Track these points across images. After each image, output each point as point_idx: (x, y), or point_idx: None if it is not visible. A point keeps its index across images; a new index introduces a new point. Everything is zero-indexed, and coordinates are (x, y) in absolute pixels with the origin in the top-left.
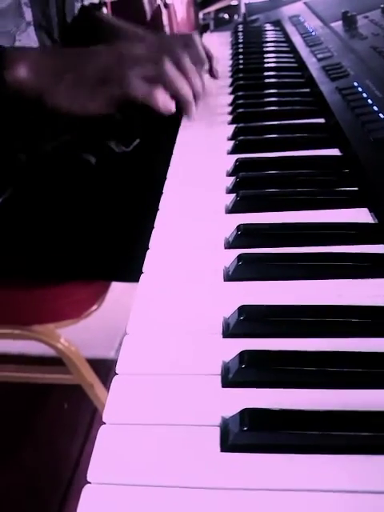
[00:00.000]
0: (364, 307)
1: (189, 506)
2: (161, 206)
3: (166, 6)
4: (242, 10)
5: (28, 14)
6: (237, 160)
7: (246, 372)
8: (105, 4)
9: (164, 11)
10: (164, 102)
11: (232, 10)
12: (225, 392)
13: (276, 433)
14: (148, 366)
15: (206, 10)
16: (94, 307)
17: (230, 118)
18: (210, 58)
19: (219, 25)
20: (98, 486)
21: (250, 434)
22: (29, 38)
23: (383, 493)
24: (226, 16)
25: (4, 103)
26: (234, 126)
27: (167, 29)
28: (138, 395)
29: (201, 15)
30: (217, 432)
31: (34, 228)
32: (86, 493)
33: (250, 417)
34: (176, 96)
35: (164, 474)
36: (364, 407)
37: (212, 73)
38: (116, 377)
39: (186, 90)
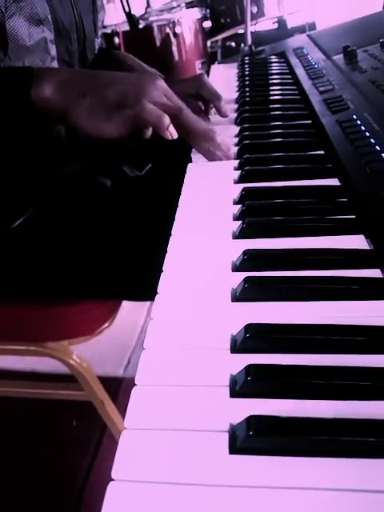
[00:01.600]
0: (360, 326)
1: (201, 501)
2: (173, 231)
3: (176, 35)
4: (249, 38)
5: (53, 50)
6: (243, 189)
7: (251, 384)
8: (117, 33)
9: (173, 40)
10: (171, 129)
11: (239, 38)
12: (233, 402)
13: (279, 437)
14: (163, 378)
15: (214, 39)
16: (106, 325)
17: (236, 148)
18: (217, 98)
19: (226, 52)
20: (121, 482)
21: (256, 438)
22: None
23: (379, 491)
24: (233, 44)
25: (30, 120)
26: (241, 157)
27: (176, 55)
28: (154, 404)
29: (209, 43)
30: (226, 437)
31: (52, 247)
32: (111, 489)
33: (256, 423)
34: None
35: (180, 472)
36: (362, 416)
37: (221, 113)
38: (135, 388)
39: (200, 127)
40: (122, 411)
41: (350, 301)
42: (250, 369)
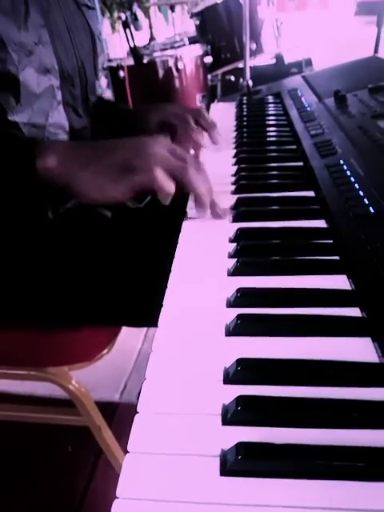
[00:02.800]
0: (341, 362)
1: None
2: (173, 267)
3: (178, 70)
4: (248, 73)
5: (59, 95)
6: (238, 229)
7: (241, 413)
8: (122, 67)
9: (175, 74)
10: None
11: (238, 72)
12: (224, 429)
13: (265, 461)
14: (162, 407)
15: (214, 73)
16: (105, 351)
17: (233, 187)
18: (212, 128)
19: (226, 86)
20: (124, 500)
21: (244, 462)
22: (59, 114)
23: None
24: (233, 78)
25: (34, 189)
26: (237, 196)
27: (178, 89)
28: (154, 430)
29: (209, 77)
30: (217, 461)
31: (55, 275)
32: (115, 506)
33: (244, 449)
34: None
35: (176, 491)
36: (341, 442)
37: (213, 140)
38: (137, 415)
39: (201, 190)
40: (118, 436)
41: (333, 337)
42: (240, 399)
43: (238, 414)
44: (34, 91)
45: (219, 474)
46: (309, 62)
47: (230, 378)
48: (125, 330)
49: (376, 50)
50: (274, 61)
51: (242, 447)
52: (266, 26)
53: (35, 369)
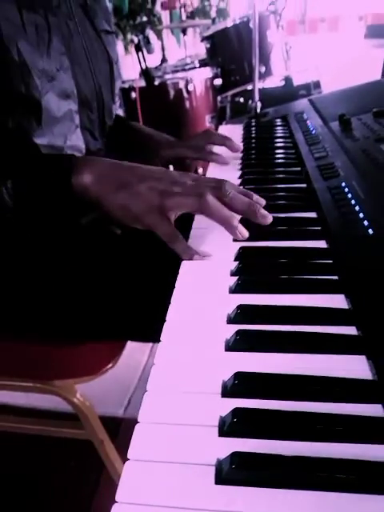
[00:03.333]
0: (335, 378)
1: None
2: (177, 283)
3: (188, 91)
4: (257, 95)
5: (77, 119)
6: (240, 248)
7: (237, 425)
8: (134, 88)
9: (186, 96)
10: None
11: (247, 94)
12: (220, 440)
13: (257, 471)
14: (162, 417)
15: (224, 95)
16: (110, 365)
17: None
18: (227, 140)
19: (235, 107)
20: (123, 504)
21: (238, 471)
22: (77, 137)
23: None
24: (242, 100)
25: (68, 204)
26: (240, 215)
27: (188, 110)
28: (154, 439)
29: (219, 98)
30: (213, 469)
31: (65, 289)
32: (115, 510)
33: (238, 458)
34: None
35: (173, 498)
36: (329, 455)
37: (233, 149)
38: (137, 425)
39: (228, 217)
40: (121, 452)
41: (329, 354)
42: (236, 412)
43: (234, 425)
44: (54, 115)
45: (214, 482)
46: (317, 85)
47: (227, 391)
48: (130, 345)
49: None
50: (282, 83)
51: (236, 457)
52: (276, 50)
53: (41, 381)
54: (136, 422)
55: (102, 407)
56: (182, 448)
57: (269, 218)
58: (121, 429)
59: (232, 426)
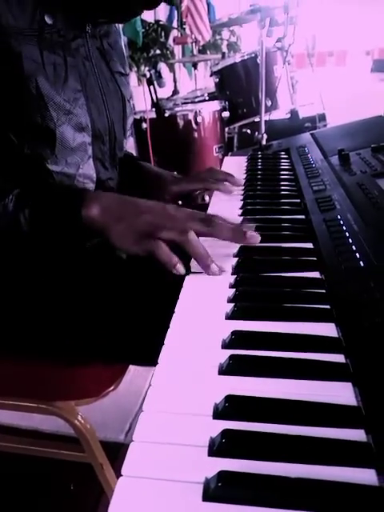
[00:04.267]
0: (321, 403)
1: None
2: (176, 309)
3: (197, 123)
4: (263, 127)
5: (89, 150)
6: (238, 275)
7: (225, 445)
8: (145, 120)
9: (194, 127)
10: (179, 268)
11: (254, 126)
12: (210, 460)
13: (243, 489)
14: (156, 437)
15: (232, 126)
16: (112, 388)
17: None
18: (230, 176)
19: (242, 138)
20: None
21: (224, 489)
22: (89, 167)
23: None
24: (249, 131)
25: (76, 233)
26: (239, 244)
27: (196, 140)
28: (147, 457)
29: (226, 129)
30: (201, 487)
31: (69, 311)
32: None
33: (225, 477)
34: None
35: None
36: (312, 477)
37: (236, 184)
38: (132, 443)
39: (202, 255)
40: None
41: (317, 380)
42: (225, 433)
43: (223, 446)
44: (69, 146)
45: (202, 499)
46: (322, 117)
47: (218, 413)
48: (132, 371)
49: None
50: (289, 115)
51: (222, 475)
52: (282, 84)
53: (43, 402)
54: None
55: (103, 432)
56: (172, 466)
57: (257, 237)
58: (121, 454)
59: (221, 446)
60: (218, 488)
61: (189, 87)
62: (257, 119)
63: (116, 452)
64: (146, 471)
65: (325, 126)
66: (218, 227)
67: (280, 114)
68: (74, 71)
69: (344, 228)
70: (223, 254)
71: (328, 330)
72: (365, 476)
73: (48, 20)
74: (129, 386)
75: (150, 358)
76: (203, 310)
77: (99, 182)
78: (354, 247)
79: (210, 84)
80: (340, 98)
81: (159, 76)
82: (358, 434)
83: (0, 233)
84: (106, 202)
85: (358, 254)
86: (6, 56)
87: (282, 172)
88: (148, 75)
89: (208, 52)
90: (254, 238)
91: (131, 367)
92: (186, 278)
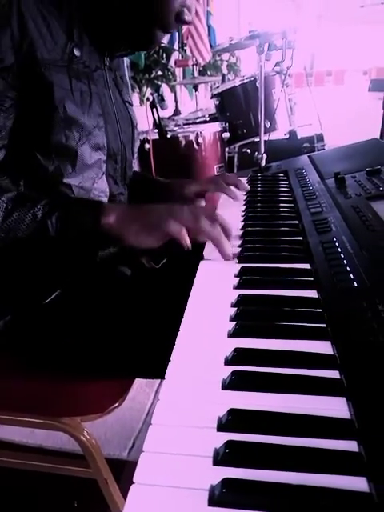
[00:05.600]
0: (317, 416)
1: None
2: (181, 327)
3: (198, 144)
4: (262, 147)
5: (104, 167)
6: (239, 295)
7: (229, 455)
8: (148, 140)
9: (196, 147)
10: (187, 242)
11: (254, 146)
12: (214, 468)
13: (245, 495)
14: (164, 447)
15: (232, 146)
16: (117, 404)
17: (237, 258)
18: (238, 182)
19: (242, 158)
20: None
21: (228, 494)
22: (102, 183)
23: None
24: (249, 151)
25: (96, 239)
26: (241, 265)
27: (198, 160)
28: (157, 467)
29: (227, 149)
30: (206, 494)
31: (75, 327)
32: None
33: (228, 484)
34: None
35: None
36: (307, 483)
37: (241, 188)
38: (143, 454)
39: (216, 236)
40: (124, 493)
41: (314, 395)
42: (228, 444)
43: (227, 455)
44: (87, 163)
45: (207, 504)
46: (320, 138)
47: (222, 425)
48: (135, 387)
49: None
50: (287, 136)
51: (226, 483)
52: (280, 106)
53: (49, 418)
54: None
55: (106, 449)
56: (180, 474)
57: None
58: (125, 471)
59: (225, 456)
60: (222, 494)
61: (190, 106)
62: (256, 139)
63: (119, 469)
64: (156, 479)
65: (323, 146)
66: (221, 222)
67: (279, 134)
68: (97, 98)
69: (339, 250)
70: (225, 273)
71: (324, 347)
72: (357, 483)
73: (77, 52)
74: (131, 403)
75: (155, 370)
76: (207, 327)
77: (111, 197)
78: (348, 268)
79: (210, 104)
80: (338, 117)
81: (162, 99)
82: (350, 445)
83: (28, 239)
84: (121, 210)
85: (352, 275)
86: (39, 85)
87: (281, 194)
88: (151, 99)
89: (208, 72)
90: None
91: (134, 384)
92: (192, 290)
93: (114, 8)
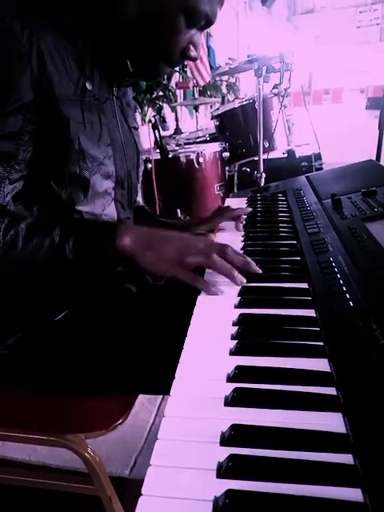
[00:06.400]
0: (314, 431)
1: None
2: (185, 345)
3: (199, 163)
4: (261, 166)
5: (112, 194)
6: (240, 314)
7: (231, 468)
8: (150, 160)
9: (197, 167)
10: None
11: (253, 164)
12: (218, 481)
13: (247, 506)
14: (171, 461)
15: (232, 165)
16: (121, 420)
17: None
18: (243, 212)
19: (242, 176)
20: None
21: (230, 505)
22: (111, 208)
23: None
24: (248, 170)
25: (111, 261)
26: (241, 287)
27: (198, 179)
28: (163, 478)
29: (227, 168)
30: (210, 504)
31: (80, 344)
32: None
33: (231, 495)
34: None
35: None
36: (306, 494)
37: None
38: (150, 467)
39: (228, 270)
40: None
41: (311, 411)
42: (231, 457)
43: (230, 468)
44: (98, 191)
45: None
46: (318, 157)
47: (225, 440)
48: (137, 405)
49: (379, 142)
50: (286, 155)
51: (229, 494)
52: (279, 127)
53: (53, 435)
54: (142, 482)
55: (108, 467)
56: (185, 486)
57: (259, 270)
58: (127, 490)
59: (228, 469)
60: (226, 505)
61: (190, 125)
62: (256, 158)
63: (121, 487)
64: (163, 491)
65: (320, 164)
66: (232, 256)
67: (277, 153)
68: (106, 128)
69: (335, 270)
70: (226, 292)
71: (321, 365)
72: (352, 494)
73: (89, 86)
74: (133, 421)
75: (159, 386)
76: (209, 346)
77: (119, 221)
78: (344, 288)
79: (210, 123)
80: (337, 134)
81: (163, 121)
82: (346, 458)
83: (47, 264)
84: (135, 233)
85: (347, 295)
86: (55, 119)
87: (280, 214)
88: (153, 121)
89: (208, 92)
90: (257, 270)
91: (136, 402)
92: (195, 309)
93: (124, 43)
